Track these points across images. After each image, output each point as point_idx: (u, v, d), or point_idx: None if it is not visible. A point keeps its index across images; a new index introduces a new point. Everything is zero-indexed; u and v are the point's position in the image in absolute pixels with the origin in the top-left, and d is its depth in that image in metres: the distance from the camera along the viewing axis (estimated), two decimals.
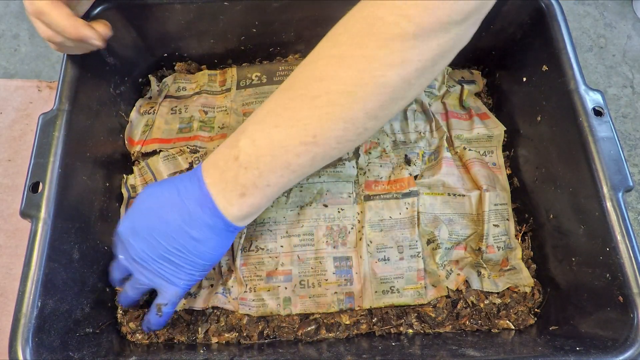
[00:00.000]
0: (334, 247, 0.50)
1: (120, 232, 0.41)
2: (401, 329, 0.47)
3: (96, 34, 0.41)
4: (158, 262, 0.40)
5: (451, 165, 0.52)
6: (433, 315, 0.48)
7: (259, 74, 0.58)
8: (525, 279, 0.49)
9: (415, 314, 0.48)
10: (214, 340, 0.47)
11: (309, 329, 0.47)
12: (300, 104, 0.36)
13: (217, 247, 0.41)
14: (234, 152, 0.38)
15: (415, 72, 0.34)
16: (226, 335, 0.48)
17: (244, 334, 0.47)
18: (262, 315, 0.48)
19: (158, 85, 0.58)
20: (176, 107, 0.57)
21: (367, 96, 0.34)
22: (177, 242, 0.39)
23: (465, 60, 0.60)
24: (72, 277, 0.43)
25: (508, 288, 0.49)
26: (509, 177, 0.54)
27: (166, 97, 0.57)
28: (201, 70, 0.60)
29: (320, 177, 0.51)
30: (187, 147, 0.54)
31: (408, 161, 0.53)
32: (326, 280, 0.49)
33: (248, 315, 0.48)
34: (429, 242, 0.50)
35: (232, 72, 0.59)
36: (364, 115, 0.35)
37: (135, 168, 0.54)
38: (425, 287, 0.49)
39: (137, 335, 0.48)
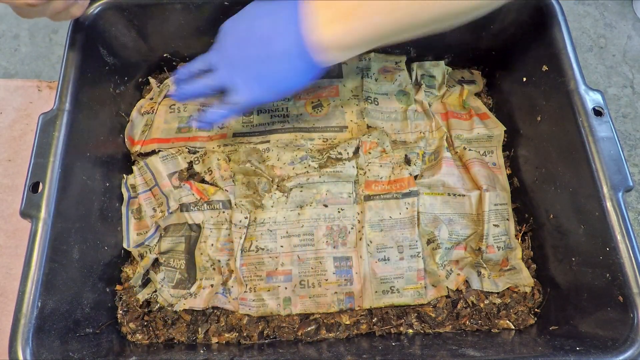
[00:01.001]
0: (334, 247, 0.50)
1: (222, 28, 0.44)
2: (401, 329, 0.47)
3: None
4: (240, 66, 0.42)
5: (451, 165, 0.52)
6: (433, 315, 0.48)
7: None
8: (525, 279, 0.49)
9: (415, 314, 0.48)
10: (214, 340, 0.47)
11: (309, 329, 0.47)
12: None
13: (288, 73, 0.41)
14: None
15: None
16: (226, 335, 0.48)
17: (244, 334, 0.47)
18: (262, 315, 0.48)
19: (158, 86, 0.58)
20: (175, 105, 0.57)
21: None
22: (260, 51, 0.41)
23: (465, 60, 0.60)
24: (72, 277, 0.43)
25: (508, 288, 0.49)
26: (509, 177, 0.54)
27: (166, 96, 0.57)
28: None
29: (320, 177, 0.51)
30: (186, 148, 0.54)
31: (408, 161, 0.53)
32: (326, 280, 0.49)
33: (248, 315, 0.48)
34: (429, 242, 0.50)
35: None
36: None
37: (134, 168, 0.54)
38: (425, 287, 0.48)
39: (137, 335, 0.48)
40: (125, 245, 0.51)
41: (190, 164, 0.53)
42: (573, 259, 0.45)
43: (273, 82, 0.42)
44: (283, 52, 0.40)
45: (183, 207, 0.51)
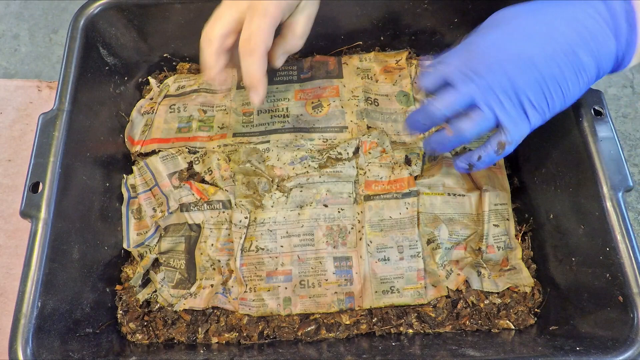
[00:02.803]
0: (334, 247, 0.50)
1: (479, 58, 0.35)
2: (401, 329, 0.47)
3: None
4: (522, 93, 0.35)
5: (451, 165, 0.52)
6: (433, 315, 0.48)
7: None
8: (525, 279, 0.49)
9: (415, 314, 0.48)
10: (214, 340, 0.47)
11: (309, 329, 0.47)
12: None
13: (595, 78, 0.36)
14: None
15: None
16: (226, 335, 0.48)
17: (244, 334, 0.47)
18: (262, 315, 0.48)
19: (158, 86, 0.58)
20: (175, 104, 0.56)
21: None
22: (556, 68, 0.34)
23: None
24: (72, 277, 0.43)
25: (508, 288, 0.49)
26: (509, 177, 0.54)
27: (166, 96, 0.57)
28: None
29: (320, 177, 0.51)
30: (186, 148, 0.54)
31: (408, 162, 0.53)
32: (326, 280, 0.49)
33: (248, 315, 0.48)
34: (429, 242, 0.50)
35: (233, 72, 0.59)
36: None
37: (134, 168, 0.54)
38: (425, 287, 0.48)
39: (137, 335, 0.48)
40: (125, 246, 0.51)
41: (190, 164, 0.53)
42: (573, 259, 0.45)
43: (562, 97, 0.36)
44: (601, 54, 0.34)
45: (183, 207, 0.51)
